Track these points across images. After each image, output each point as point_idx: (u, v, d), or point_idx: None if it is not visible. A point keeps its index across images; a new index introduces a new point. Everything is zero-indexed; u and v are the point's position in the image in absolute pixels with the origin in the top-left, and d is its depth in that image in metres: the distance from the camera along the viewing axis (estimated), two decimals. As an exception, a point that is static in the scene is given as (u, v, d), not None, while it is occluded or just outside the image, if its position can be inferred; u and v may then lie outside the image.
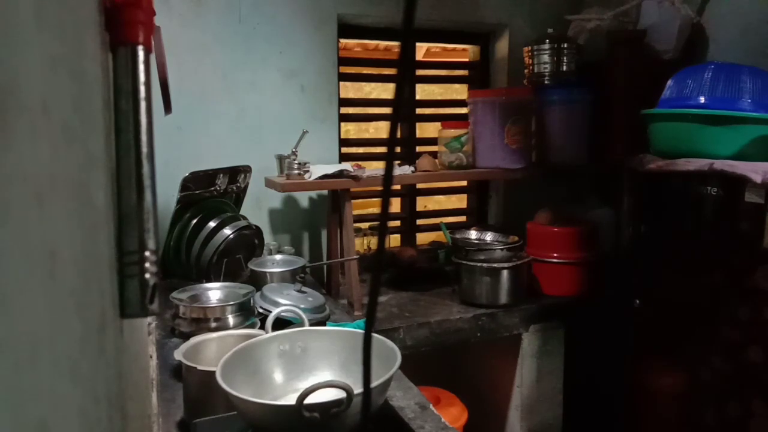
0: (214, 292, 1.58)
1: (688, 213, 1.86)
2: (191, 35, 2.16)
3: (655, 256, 2.02)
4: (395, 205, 2.77)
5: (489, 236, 2.28)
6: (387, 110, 2.60)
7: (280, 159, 2.07)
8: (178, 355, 1.10)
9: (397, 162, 2.42)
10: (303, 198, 2.40)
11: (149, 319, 1.20)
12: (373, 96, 3.86)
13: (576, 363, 2.18)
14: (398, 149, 2.67)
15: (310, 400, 0.80)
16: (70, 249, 0.34)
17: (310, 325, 1.25)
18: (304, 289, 1.61)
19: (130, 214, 0.49)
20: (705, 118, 1.75)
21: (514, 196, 2.68)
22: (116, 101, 0.50)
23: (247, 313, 1.52)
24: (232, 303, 1.50)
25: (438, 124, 2.39)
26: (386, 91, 3.54)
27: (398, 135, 2.62)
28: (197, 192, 1.93)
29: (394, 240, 2.79)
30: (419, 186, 2.69)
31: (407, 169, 2.18)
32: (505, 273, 2.02)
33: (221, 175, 1.98)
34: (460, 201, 3.24)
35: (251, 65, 2.25)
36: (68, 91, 0.35)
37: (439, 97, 3.81)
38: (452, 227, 2.58)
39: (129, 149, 0.50)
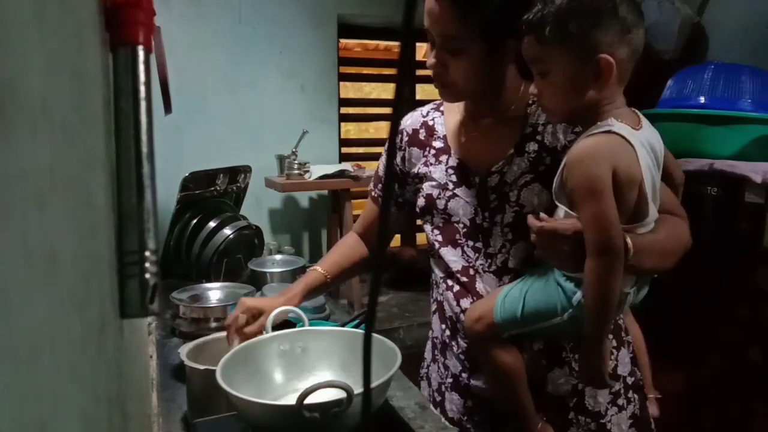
0: (214, 292, 1.58)
1: (688, 213, 1.86)
2: (191, 35, 2.16)
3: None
4: (395, 205, 2.77)
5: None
6: (387, 110, 2.60)
7: (280, 159, 2.07)
8: (182, 353, 1.10)
9: (397, 162, 2.42)
10: (303, 198, 2.40)
11: (149, 319, 1.20)
12: (373, 96, 3.86)
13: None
14: (398, 149, 2.66)
15: (311, 400, 0.80)
16: (70, 249, 0.34)
17: (310, 325, 1.25)
18: (304, 289, 1.61)
19: (130, 214, 0.49)
20: (705, 118, 1.75)
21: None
22: (116, 101, 0.50)
23: (247, 313, 1.52)
24: (232, 303, 1.50)
25: (438, 124, 2.39)
26: (386, 91, 3.54)
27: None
28: (197, 192, 1.93)
29: (394, 240, 2.79)
30: (419, 186, 2.69)
31: (407, 169, 2.18)
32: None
33: (221, 175, 1.98)
34: (460, 201, 3.23)
35: (251, 65, 2.25)
36: (68, 91, 0.35)
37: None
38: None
39: (129, 149, 0.49)
